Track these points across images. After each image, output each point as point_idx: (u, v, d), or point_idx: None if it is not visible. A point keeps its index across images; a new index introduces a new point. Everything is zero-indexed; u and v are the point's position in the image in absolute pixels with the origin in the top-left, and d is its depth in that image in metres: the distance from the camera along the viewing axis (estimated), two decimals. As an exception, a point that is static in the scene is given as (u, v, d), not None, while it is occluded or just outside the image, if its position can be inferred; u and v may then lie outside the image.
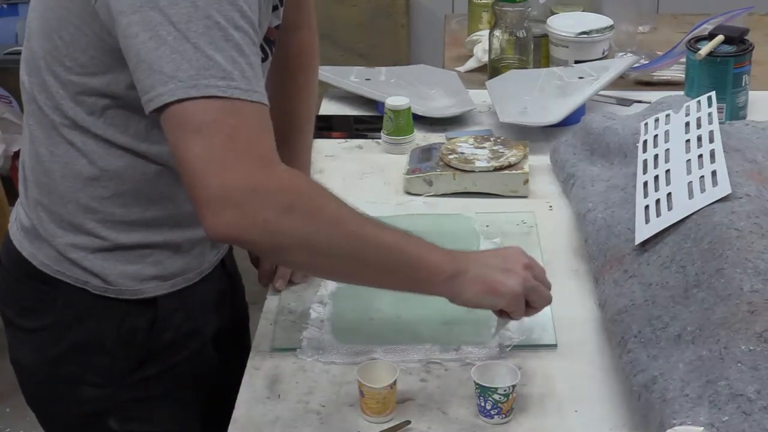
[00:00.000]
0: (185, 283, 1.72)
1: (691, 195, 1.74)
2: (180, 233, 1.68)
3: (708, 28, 2.46)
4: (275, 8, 1.66)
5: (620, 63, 2.50)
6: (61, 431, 1.80)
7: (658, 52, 2.65)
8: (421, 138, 2.31)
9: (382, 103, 2.30)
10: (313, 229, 1.46)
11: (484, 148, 2.17)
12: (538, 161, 2.19)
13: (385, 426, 1.56)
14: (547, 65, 2.61)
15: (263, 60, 1.63)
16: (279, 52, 1.76)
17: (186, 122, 1.42)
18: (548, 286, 1.63)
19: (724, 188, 1.71)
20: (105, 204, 1.62)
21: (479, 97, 2.46)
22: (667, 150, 1.89)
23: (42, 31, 1.57)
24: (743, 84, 2.34)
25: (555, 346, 1.71)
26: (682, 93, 2.35)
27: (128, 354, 1.70)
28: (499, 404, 1.54)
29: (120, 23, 1.44)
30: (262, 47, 1.59)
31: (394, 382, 1.57)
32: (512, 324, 1.73)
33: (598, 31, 2.56)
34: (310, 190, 1.49)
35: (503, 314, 1.62)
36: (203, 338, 1.76)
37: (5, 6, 4.16)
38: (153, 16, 1.41)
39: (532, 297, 1.60)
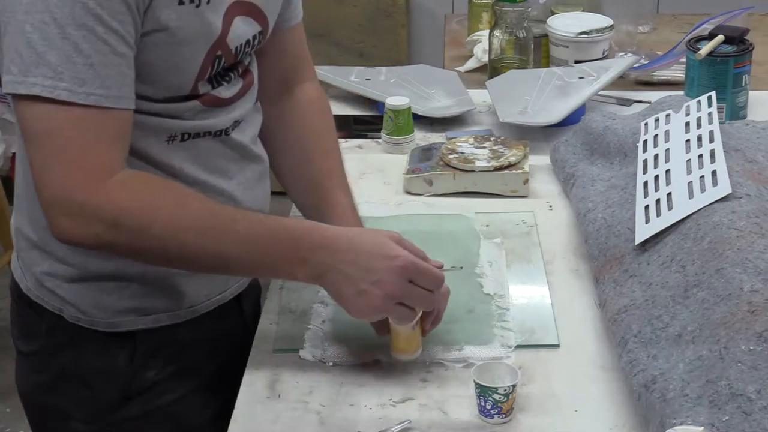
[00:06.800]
0: (172, 320, 1.65)
1: (691, 195, 1.74)
2: (159, 267, 1.58)
3: (708, 28, 2.46)
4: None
5: (620, 63, 2.50)
6: None
7: (658, 52, 2.65)
8: (421, 138, 2.31)
9: (382, 103, 2.30)
10: (143, 245, 1.45)
11: (484, 147, 2.17)
12: (538, 161, 2.19)
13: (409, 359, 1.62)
14: (547, 65, 2.61)
15: (227, 82, 1.58)
16: (289, 110, 1.77)
17: (23, 127, 1.40)
18: (433, 282, 1.51)
19: (724, 188, 1.71)
20: None
21: (479, 97, 2.46)
22: (667, 150, 1.89)
23: None
24: (743, 84, 2.34)
25: (557, 345, 1.71)
26: (682, 93, 2.34)
27: (109, 389, 1.64)
28: (499, 404, 1.54)
29: None
30: (219, 71, 1.56)
31: (416, 322, 1.58)
32: (514, 324, 1.73)
33: (598, 31, 2.56)
34: (138, 205, 1.43)
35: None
36: (197, 381, 1.65)
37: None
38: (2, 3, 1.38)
39: (408, 301, 1.51)
